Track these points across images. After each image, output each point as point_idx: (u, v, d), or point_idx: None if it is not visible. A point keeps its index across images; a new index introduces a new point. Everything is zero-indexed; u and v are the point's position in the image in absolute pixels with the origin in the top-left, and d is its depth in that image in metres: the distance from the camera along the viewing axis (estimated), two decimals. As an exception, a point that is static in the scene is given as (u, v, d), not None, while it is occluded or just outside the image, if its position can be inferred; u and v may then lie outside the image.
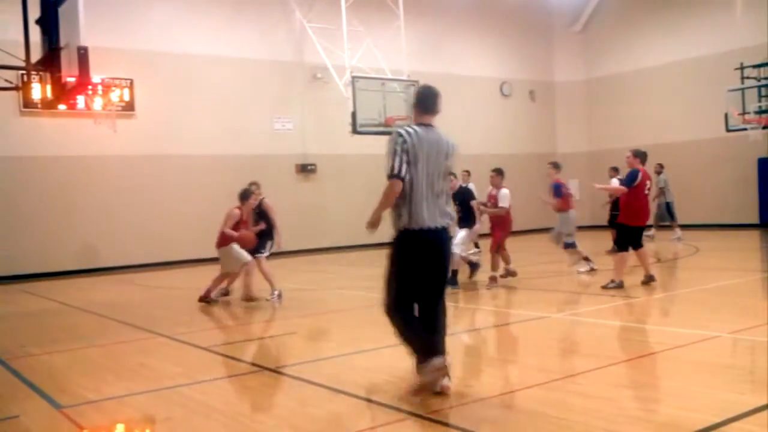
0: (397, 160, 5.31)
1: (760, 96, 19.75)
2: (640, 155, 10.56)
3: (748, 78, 20.39)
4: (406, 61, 19.11)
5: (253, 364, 6.47)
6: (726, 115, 20.15)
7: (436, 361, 5.07)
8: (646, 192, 10.51)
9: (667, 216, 18.78)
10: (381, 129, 18.19)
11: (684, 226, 18.96)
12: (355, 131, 17.64)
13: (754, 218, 21.51)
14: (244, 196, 10.96)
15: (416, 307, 5.46)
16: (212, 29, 19.65)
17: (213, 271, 11.55)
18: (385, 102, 18.20)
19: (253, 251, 10.98)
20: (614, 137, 25.46)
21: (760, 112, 19.57)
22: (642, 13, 24.74)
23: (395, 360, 6.72)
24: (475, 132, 24.31)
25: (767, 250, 15.94)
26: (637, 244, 10.48)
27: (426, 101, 5.77)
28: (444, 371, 5.12)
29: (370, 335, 8.58)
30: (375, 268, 11.53)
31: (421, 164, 5.33)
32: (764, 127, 19.53)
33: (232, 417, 4.93)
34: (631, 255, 10.40)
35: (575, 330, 7.99)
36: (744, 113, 19.79)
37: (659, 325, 8.20)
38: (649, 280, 10.38)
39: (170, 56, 18.87)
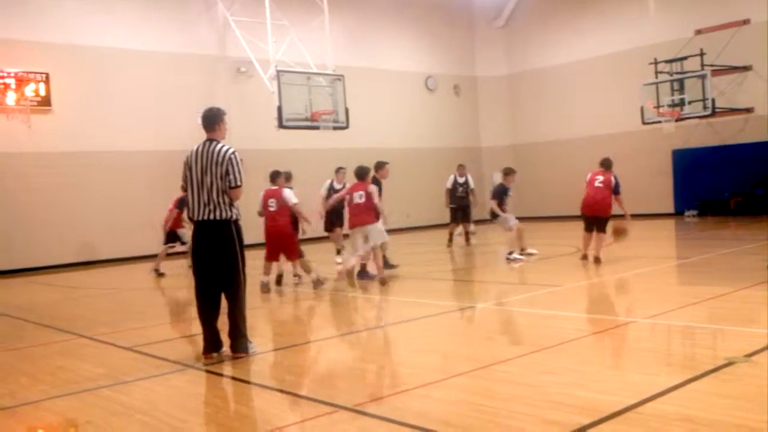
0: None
1: (672, 90, 20.55)
2: (604, 163, 12.26)
3: (661, 72, 21.20)
4: (331, 56, 19.06)
5: (178, 363, 6.36)
6: (642, 109, 20.88)
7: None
8: (598, 185, 11.99)
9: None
10: (307, 123, 18.11)
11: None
12: (281, 126, 17.49)
13: (670, 208, 22.39)
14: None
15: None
16: (132, 22, 19.13)
17: (135, 269, 11.27)
18: (310, 96, 18.11)
19: None
20: (536, 131, 26.08)
21: (672, 105, 20.35)
22: (562, 9, 25.37)
23: (321, 354, 6.73)
24: (401, 126, 24.49)
25: (682, 239, 16.60)
26: (588, 228, 12.11)
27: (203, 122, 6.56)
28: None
29: (295, 330, 8.57)
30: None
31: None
32: (677, 120, 20.32)
33: (155, 417, 4.84)
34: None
35: (500, 319, 8.15)
36: (658, 107, 20.55)
37: (580, 312, 8.44)
38: (594, 260, 11.79)
39: (88, 49, 18.29)
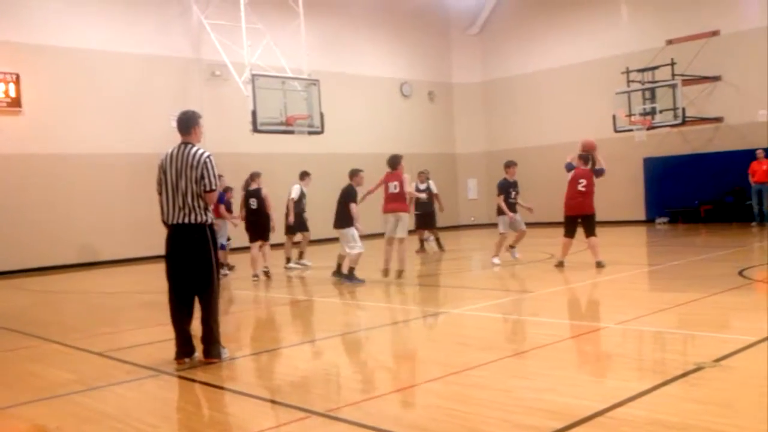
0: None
1: (644, 99, 20.82)
2: (583, 157, 12.36)
3: (633, 81, 21.47)
4: (306, 60, 19.04)
5: (151, 368, 6.30)
6: (614, 117, 21.12)
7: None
8: (581, 188, 12.02)
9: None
10: (282, 128, 18.07)
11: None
12: (255, 130, 17.43)
13: (641, 215, 22.67)
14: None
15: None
16: (105, 23, 18.97)
17: (108, 273, 11.15)
18: (285, 101, 18.08)
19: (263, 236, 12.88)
20: (510, 138, 26.27)
21: (644, 114, 20.62)
22: (535, 18, 25.63)
23: (295, 359, 6.71)
24: (376, 131, 24.53)
25: (653, 246, 16.80)
26: (568, 232, 12.17)
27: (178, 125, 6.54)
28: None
29: (269, 336, 8.54)
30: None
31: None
32: (648, 129, 20.59)
33: (127, 423, 4.79)
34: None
35: (473, 324, 8.19)
36: (630, 115, 20.81)
37: (552, 317, 8.51)
38: (597, 265, 11.85)
39: (60, 50, 18.10)
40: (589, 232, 12.08)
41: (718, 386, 4.88)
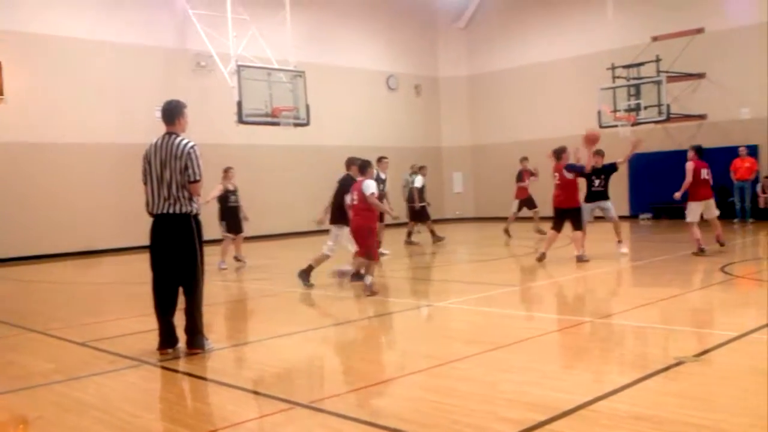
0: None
1: (629, 95, 20.91)
2: (555, 152, 12.63)
3: (618, 77, 21.56)
4: (292, 52, 18.96)
5: (133, 358, 6.27)
6: (599, 113, 21.20)
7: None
8: (557, 182, 12.29)
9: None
10: (267, 119, 17.99)
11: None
12: (240, 121, 17.35)
13: (625, 211, 22.76)
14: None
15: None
16: (90, 11, 18.76)
17: (92, 263, 11.08)
18: (271, 92, 17.98)
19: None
20: (496, 132, 26.32)
21: (629, 110, 20.72)
22: (522, 13, 25.66)
23: (279, 350, 6.71)
24: (362, 124, 24.51)
25: (636, 241, 16.89)
26: (556, 226, 12.24)
27: (163, 115, 6.51)
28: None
29: (253, 327, 8.53)
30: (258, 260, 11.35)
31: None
32: (633, 125, 20.69)
33: (108, 413, 4.77)
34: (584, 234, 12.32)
35: (458, 318, 8.22)
36: (615, 111, 20.91)
37: (536, 311, 8.56)
38: (578, 259, 11.91)
39: (43, 38, 17.89)
40: (574, 226, 12.15)
41: (698, 381, 4.93)
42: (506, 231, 17.53)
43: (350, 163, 10.61)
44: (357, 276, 10.14)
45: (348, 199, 9.99)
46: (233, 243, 13.67)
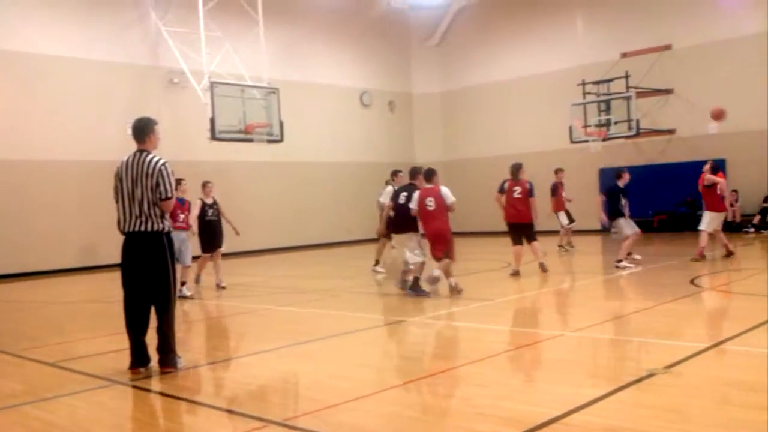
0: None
1: (599, 110, 21.21)
2: (512, 167, 12.67)
3: (589, 93, 21.86)
4: (266, 69, 18.98)
5: (104, 378, 6.19)
6: (570, 128, 21.46)
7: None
8: (517, 196, 12.31)
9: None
10: (241, 136, 17.97)
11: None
12: (213, 138, 17.30)
13: (596, 224, 22.96)
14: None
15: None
16: (59, 28, 18.64)
17: (63, 282, 10.90)
18: (244, 109, 18.00)
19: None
20: (469, 148, 26.50)
21: (599, 125, 20.99)
22: (494, 30, 25.95)
23: (253, 368, 6.66)
24: (337, 140, 24.57)
25: (608, 255, 17.03)
26: (515, 240, 12.43)
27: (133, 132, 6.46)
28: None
29: (226, 345, 8.47)
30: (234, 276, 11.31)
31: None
32: (604, 140, 20.96)
33: (79, 434, 4.70)
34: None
35: (432, 333, 8.23)
36: (586, 126, 21.18)
37: (509, 326, 8.60)
38: (540, 267, 12.30)
39: (12, 55, 17.72)
40: (529, 240, 12.39)
41: (669, 392, 4.99)
42: (562, 246, 17.26)
43: (415, 173, 11.06)
44: (415, 287, 10.60)
45: (414, 206, 10.47)
46: (210, 261, 12.93)
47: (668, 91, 21.71)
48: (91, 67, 19.00)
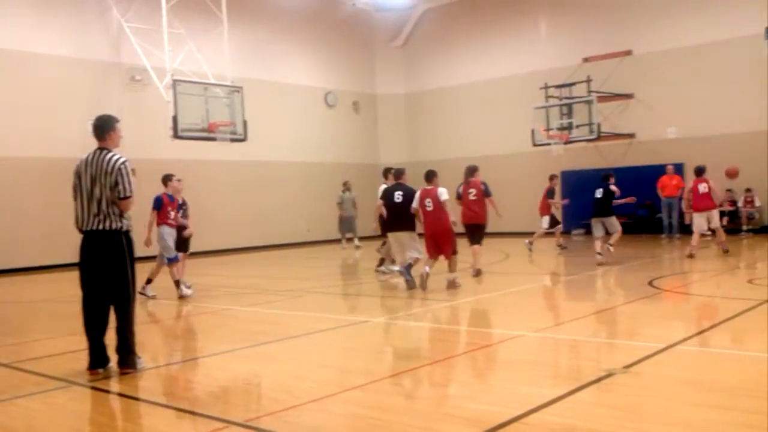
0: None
1: (561, 114, 21.47)
2: (466, 170, 12.53)
3: (551, 97, 22.12)
4: (229, 67, 18.83)
5: (61, 379, 6.08)
6: (533, 131, 21.68)
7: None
8: (472, 198, 12.19)
9: (346, 228, 21.57)
10: (204, 134, 17.80)
11: (495, 234, 20.09)
12: (176, 136, 17.11)
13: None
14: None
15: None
16: (20, 24, 18.23)
17: (19, 281, 10.68)
18: (208, 107, 17.85)
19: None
20: (433, 149, 26.60)
21: (561, 128, 21.25)
22: (458, 33, 26.13)
23: (214, 369, 6.61)
24: (300, 140, 24.48)
25: (569, 256, 17.26)
26: (472, 241, 12.30)
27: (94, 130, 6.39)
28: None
29: (187, 345, 8.38)
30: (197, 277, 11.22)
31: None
32: (566, 143, 21.22)
33: (35, 436, 4.61)
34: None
35: (394, 333, 8.24)
36: (548, 129, 21.42)
37: (471, 326, 8.66)
38: (475, 273, 12.15)
39: (-32, 49, 17.32)
40: (473, 241, 12.35)
41: (627, 392, 5.07)
42: (560, 245, 17.85)
43: (399, 174, 12.09)
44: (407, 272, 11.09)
45: (416, 205, 11.09)
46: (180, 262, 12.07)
47: (629, 96, 22.08)
48: (52, 63, 18.65)
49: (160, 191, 11.55)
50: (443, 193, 10.90)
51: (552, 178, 18.26)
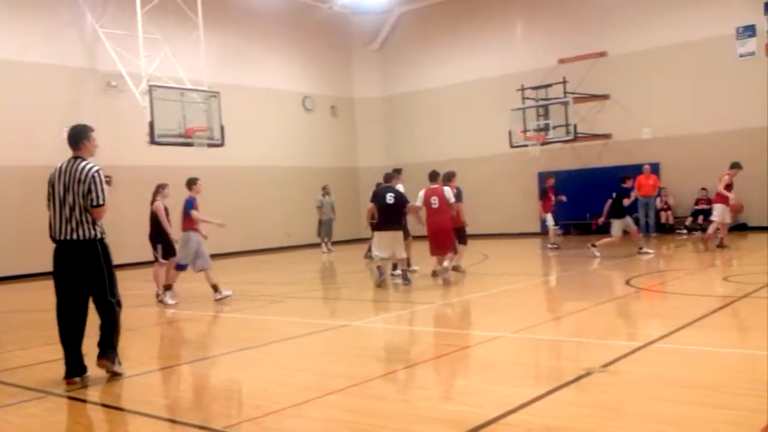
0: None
1: (538, 115, 21.60)
2: (446, 176, 12.41)
3: (528, 99, 22.24)
4: (206, 72, 18.73)
5: (37, 390, 6.00)
6: (510, 133, 21.79)
7: None
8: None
9: (326, 232, 21.93)
10: (180, 140, 17.69)
11: (473, 236, 20.17)
12: (152, 142, 16.99)
13: (536, 227, 23.38)
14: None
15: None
16: (-11, 29, 18.02)
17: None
18: (184, 112, 17.73)
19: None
20: (411, 152, 26.61)
21: (538, 130, 21.37)
22: (434, 36, 26.20)
23: (195, 376, 6.57)
24: (278, 145, 24.41)
25: (547, 257, 17.38)
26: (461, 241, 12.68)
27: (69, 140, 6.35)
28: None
29: (167, 352, 8.32)
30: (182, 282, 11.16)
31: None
32: (542, 144, 21.36)
33: (11, 448, 4.55)
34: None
35: (374, 336, 8.24)
36: (525, 131, 21.53)
37: (450, 328, 8.67)
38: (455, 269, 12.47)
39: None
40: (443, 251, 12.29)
41: (606, 390, 5.10)
42: (554, 244, 18.06)
43: (389, 177, 12.68)
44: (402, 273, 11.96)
45: (420, 203, 11.79)
46: (165, 269, 11.83)
47: (604, 97, 22.27)
48: (25, 69, 18.42)
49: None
50: (450, 195, 11.59)
51: (548, 178, 18.88)
